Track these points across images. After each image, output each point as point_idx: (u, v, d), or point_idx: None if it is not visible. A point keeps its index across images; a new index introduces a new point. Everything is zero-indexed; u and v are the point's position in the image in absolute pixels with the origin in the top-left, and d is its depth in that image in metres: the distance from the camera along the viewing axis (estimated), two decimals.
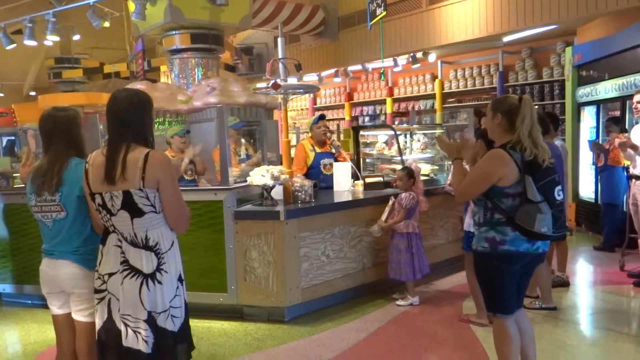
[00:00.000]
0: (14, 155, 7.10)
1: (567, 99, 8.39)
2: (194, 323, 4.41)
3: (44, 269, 2.68)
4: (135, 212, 2.34)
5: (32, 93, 17.36)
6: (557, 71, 9.16)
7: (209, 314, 4.62)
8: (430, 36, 9.21)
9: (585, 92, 7.83)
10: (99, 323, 2.46)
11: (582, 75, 8.06)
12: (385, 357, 3.76)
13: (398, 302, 4.79)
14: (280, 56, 4.86)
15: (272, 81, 4.47)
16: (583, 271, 5.98)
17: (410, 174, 4.72)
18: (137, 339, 2.37)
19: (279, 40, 4.91)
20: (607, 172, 6.54)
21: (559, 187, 2.78)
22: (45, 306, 2.73)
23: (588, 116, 7.98)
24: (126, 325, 2.38)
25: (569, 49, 8.28)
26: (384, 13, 6.56)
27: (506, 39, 9.00)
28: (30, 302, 5.24)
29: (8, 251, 5.25)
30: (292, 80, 12.08)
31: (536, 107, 9.02)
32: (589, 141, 7.09)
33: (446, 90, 10.87)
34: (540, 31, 8.56)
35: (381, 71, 8.84)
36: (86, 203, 2.52)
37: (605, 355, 3.66)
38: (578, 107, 8.13)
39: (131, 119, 2.38)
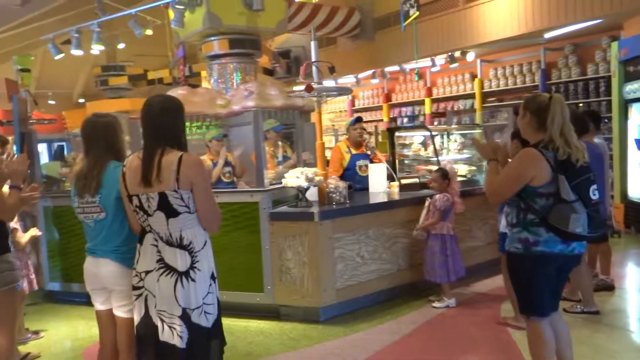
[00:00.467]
0: (63, 160, 7.43)
1: (614, 95, 8.09)
2: (232, 322, 4.56)
3: (87, 267, 2.81)
4: (170, 212, 2.44)
5: (81, 100, 18.08)
6: (603, 67, 8.84)
7: (246, 313, 4.72)
8: (467, 35, 9.08)
9: (633, 89, 7.55)
10: (137, 319, 2.57)
11: (629, 71, 7.76)
12: (419, 359, 3.74)
13: (434, 304, 4.76)
14: (313, 59, 4.90)
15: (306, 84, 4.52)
16: (630, 274, 5.77)
17: (444, 175, 4.69)
18: (172, 334, 2.46)
19: (312, 43, 4.96)
20: None
21: (594, 187, 2.71)
22: (92, 304, 2.87)
23: (636, 113, 7.68)
24: (162, 320, 2.48)
25: (614, 44, 7.99)
26: (417, 13, 6.52)
27: (548, 35, 8.76)
28: (78, 300, 5.46)
29: (57, 251, 5.51)
30: (330, 83, 12.16)
31: (580, 105, 8.77)
32: (636, 140, 6.83)
33: (486, 89, 10.67)
34: (584, 26, 8.30)
35: (415, 72, 8.75)
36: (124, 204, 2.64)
37: None
38: (625, 104, 7.83)
39: (165, 124, 2.48)
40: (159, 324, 2.49)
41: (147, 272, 2.51)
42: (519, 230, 2.81)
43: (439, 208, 4.60)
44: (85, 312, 5.15)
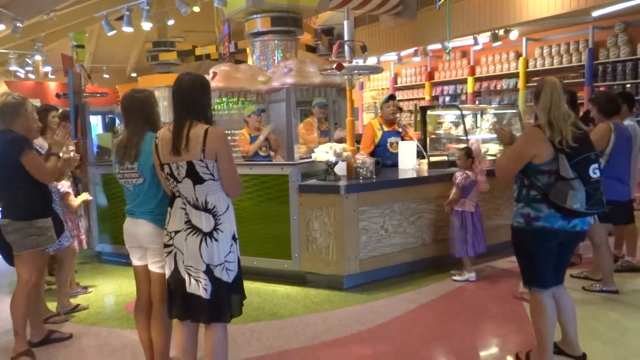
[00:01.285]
0: (114, 131, 7.90)
1: None
2: (261, 286, 4.89)
3: (126, 227, 3.15)
4: (197, 179, 2.72)
5: (134, 75, 18.81)
6: None
7: (275, 279, 5.03)
8: (511, 13, 8.92)
9: None
10: (167, 273, 2.90)
11: None
12: (432, 325, 3.95)
13: (454, 277, 4.93)
14: (346, 38, 5.06)
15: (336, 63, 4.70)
16: None
17: (468, 153, 4.79)
18: (198, 286, 2.76)
19: (345, 22, 5.10)
20: None
21: (595, 165, 2.82)
22: None
23: None
24: (189, 274, 2.78)
25: None
26: None
27: (596, 13, 8.51)
28: (124, 260, 5.91)
29: (106, 215, 5.98)
30: (372, 60, 12.20)
31: (628, 85, 8.51)
32: None
33: (531, 68, 10.47)
34: (635, 4, 8.02)
35: (447, 51, 8.72)
36: None
37: None
38: None
39: (193, 100, 2.75)
40: (187, 277, 2.79)
41: (176, 232, 2.81)
42: (522, 205, 2.95)
43: (458, 185, 4.74)
44: (129, 271, 5.53)
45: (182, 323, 2.92)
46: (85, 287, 5.11)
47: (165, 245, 2.88)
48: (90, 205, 5.90)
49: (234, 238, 2.85)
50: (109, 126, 9.47)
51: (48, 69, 14.57)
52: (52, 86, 17.02)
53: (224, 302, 2.81)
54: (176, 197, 2.83)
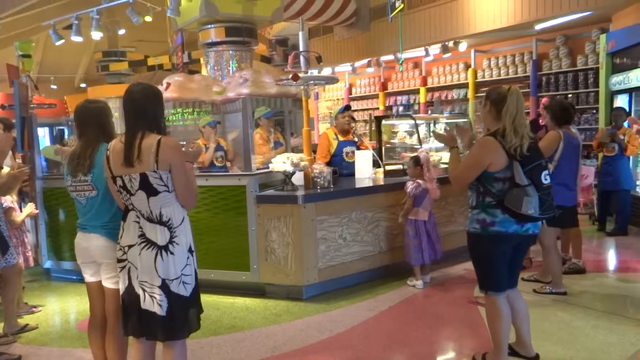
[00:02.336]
0: (63, 143, 7.64)
1: (601, 87, 8.28)
2: (219, 299, 4.82)
3: (78, 242, 3.06)
4: (150, 191, 2.66)
5: (83, 85, 18.28)
6: (592, 59, 9.03)
7: (233, 291, 4.98)
8: (460, 25, 9.24)
9: (618, 80, 7.72)
10: (121, 289, 2.81)
11: (615, 63, 7.94)
12: (391, 332, 4.00)
13: (408, 282, 5.03)
14: (301, 49, 5.10)
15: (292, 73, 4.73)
16: (602, 259, 5.98)
17: (416, 162, 4.91)
18: (153, 302, 2.69)
19: (300, 33, 5.14)
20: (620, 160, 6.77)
21: (546, 172, 2.95)
22: None
23: (621, 104, 7.86)
24: (144, 290, 2.71)
25: (603, 36, 8.15)
26: (402, 6, 6.69)
27: (539, 26, 8.93)
28: (75, 277, 5.72)
29: (55, 231, 5.76)
30: (327, 71, 12.33)
31: (570, 95, 8.97)
32: (608, 129, 6.99)
33: (480, 79, 10.85)
34: (574, 18, 8.46)
35: (399, 62, 8.93)
36: None
37: (606, 336, 3.76)
38: (611, 95, 8.02)
39: (145, 110, 2.70)
40: (141, 293, 2.71)
41: (129, 246, 2.73)
42: (478, 211, 3.04)
43: (410, 194, 4.84)
44: (80, 288, 5.37)
45: (138, 340, 2.83)
46: (34, 306, 4.90)
47: (119, 260, 2.80)
48: (38, 220, 5.68)
49: (190, 251, 2.80)
50: (57, 138, 9.17)
51: None
52: None
53: (181, 318, 2.75)
54: (129, 210, 2.77)
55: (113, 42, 14.65)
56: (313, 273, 4.74)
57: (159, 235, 2.68)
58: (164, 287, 2.68)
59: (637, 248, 5.85)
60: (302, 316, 4.40)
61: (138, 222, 2.72)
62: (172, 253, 2.69)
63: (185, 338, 2.80)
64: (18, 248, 4.66)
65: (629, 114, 7.06)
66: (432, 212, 5.03)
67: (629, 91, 7.50)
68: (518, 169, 2.89)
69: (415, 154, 5.10)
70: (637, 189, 7.15)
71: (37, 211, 5.04)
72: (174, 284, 2.70)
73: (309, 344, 3.83)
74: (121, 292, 2.82)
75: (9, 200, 4.56)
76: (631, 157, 7.11)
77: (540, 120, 5.82)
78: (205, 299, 2.97)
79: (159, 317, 2.69)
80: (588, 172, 7.44)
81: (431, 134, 6.57)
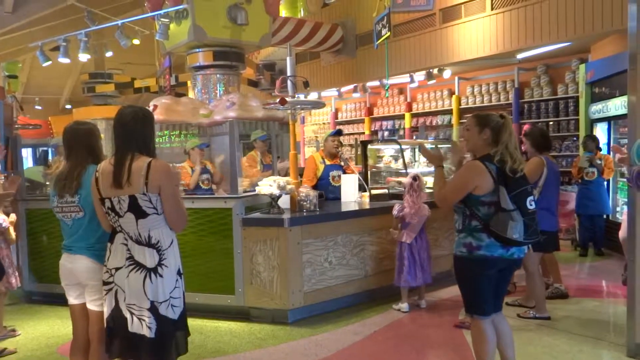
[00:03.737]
0: (47, 164, 7.59)
1: (581, 115, 8.50)
2: (203, 322, 4.77)
3: (63, 263, 3.02)
4: (139, 213, 2.66)
5: (68, 106, 18.19)
6: (572, 88, 9.25)
7: (217, 314, 4.93)
8: (444, 53, 9.43)
9: (598, 109, 7.93)
10: (107, 311, 2.78)
11: (594, 92, 8.17)
12: (376, 356, 3.99)
13: (393, 306, 5.03)
14: (289, 74, 5.17)
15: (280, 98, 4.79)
16: (582, 283, 6.04)
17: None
18: (141, 325, 2.67)
19: (288, 59, 5.23)
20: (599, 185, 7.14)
21: (531, 198, 3.01)
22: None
23: (600, 132, 8.06)
24: (131, 313, 2.68)
25: (582, 66, 8.40)
26: (389, 34, 6.83)
27: (520, 55, 9.14)
28: (56, 300, 5.61)
29: (38, 253, 5.67)
30: (313, 95, 12.46)
31: (551, 123, 9.19)
32: (586, 153, 7.26)
33: (463, 105, 11.03)
34: (554, 48, 8.68)
35: (385, 88, 9.09)
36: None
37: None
38: (591, 123, 8.22)
39: (135, 132, 2.72)
40: (129, 316, 2.69)
41: (117, 269, 2.71)
42: (465, 235, 3.08)
43: (395, 216, 4.90)
44: (62, 312, 5.29)
45: None
46: (14, 330, 4.79)
47: (105, 283, 2.78)
48: (19, 242, 5.59)
49: (179, 273, 2.79)
50: (40, 159, 9.10)
51: None
52: None
53: (169, 341, 2.73)
54: (117, 233, 2.75)
55: (100, 64, 14.68)
56: (298, 297, 4.72)
57: (148, 257, 2.67)
58: (153, 309, 2.66)
59: (619, 273, 5.93)
60: (287, 340, 4.37)
61: (126, 245, 2.70)
62: (161, 276, 2.68)
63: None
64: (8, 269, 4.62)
65: (597, 141, 7.36)
66: (422, 236, 5.04)
67: (608, 119, 7.69)
68: (504, 194, 2.95)
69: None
70: (617, 215, 7.30)
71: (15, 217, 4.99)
72: (163, 306, 2.68)
73: None
74: (106, 315, 2.79)
75: (7, 220, 4.54)
76: (610, 182, 7.33)
77: (523, 147, 5.94)
78: (190, 322, 2.94)
79: (148, 340, 2.66)
80: (569, 198, 7.60)
81: (418, 159, 6.66)
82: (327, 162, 6.14)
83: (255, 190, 5.06)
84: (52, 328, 4.95)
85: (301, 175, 6.00)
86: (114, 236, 2.76)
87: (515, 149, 3.07)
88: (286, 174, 6.57)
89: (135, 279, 2.67)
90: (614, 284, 5.81)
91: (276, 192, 4.80)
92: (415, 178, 5.03)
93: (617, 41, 7.85)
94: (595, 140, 7.33)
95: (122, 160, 2.66)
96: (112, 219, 2.74)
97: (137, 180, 2.63)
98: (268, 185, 4.85)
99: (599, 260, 7.07)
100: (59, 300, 5.56)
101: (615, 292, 5.57)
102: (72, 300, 3.06)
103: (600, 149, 7.34)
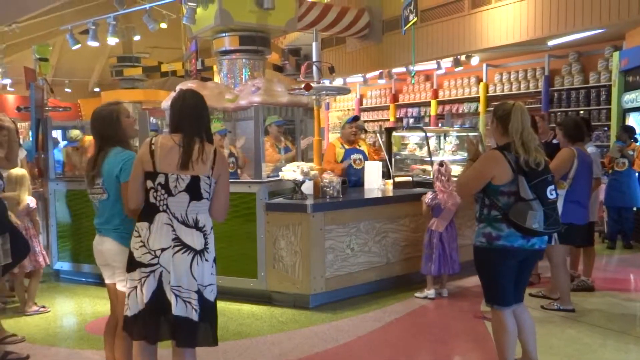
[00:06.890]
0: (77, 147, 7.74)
1: (613, 104, 8.28)
2: (226, 305, 4.84)
3: (94, 244, 3.10)
4: (196, 195, 2.67)
5: (97, 89, 18.50)
6: (605, 76, 9.01)
7: (240, 297, 4.99)
8: (472, 39, 9.27)
9: (631, 98, 7.72)
10: (147, 293, 2.67)
11: (628, 81, 7.94)
12: (396, 344, 4.00)
13: (416, 294, 5.02)
14: (314, 59, 5.15)
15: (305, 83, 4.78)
16: (609, 276, 5.93)
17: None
18: (186, 308, 2.64)
19: (314, 44, 5.20)
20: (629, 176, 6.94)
21: (552, 187, 2.96)
22: (97, 283, 3.14)
23: (633, 122, 7.85)
24: (177, 296, 2.64)
25: (616, 54, 8.16)
26: (416, 19, 6.73)
27: (551, 42, 8.94)
28: (84, 279, 5.78)
29: (67, 232, 5.82)
30: (338, 82, 12.39)
31: (581, 112, 8.98)
32: (617, 142, 7.10)
33: (491, 93, 10.85)
34: (587, 35, 8.47)
35: (412, 74, 8.98)
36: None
37: (614, 354, 3.74)
38: (623, 113, 8.01)
39: (202, 117, 2.77)
40: (173, 299, 2.64)
41: (162, 250, 2.66)
42: (484, 225, 3.06)
43: (426, 204, 4.87)
44: (90, 290, 5.45)
45: (142, 345, 2.77)
46: (43, 306, 4.94)
47: (147, 265, 2.67)
48: (49, 221, 5.75)
49: (214, 259, 2.83)
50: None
51: (7, 81, 14.20)
52: (11, 99, 16.54)
53: (209, 323, 2.73)
54: (158, 212, 2.68)
55: (128, 48, 14.86)
56: (320, 282, 4.75)
57: (196, 240, 2.69)
58: (199, 292, 2.67)
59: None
60: (308, 325, 4.41)
61: (171, 225, 2.67)
62: (206, 260, 2.71)
63: (216, 344, 2.77)
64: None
65: (631, 132, 7.15)
66: (453, 225, 5.02)
67: None
68: (523, 183, 2.90)
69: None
70: None
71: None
72: (207, 290, 2.71)
73: (314, 353, 3.84)
74: (146, 297, 2.69)
75: (34, 201, 4.68)
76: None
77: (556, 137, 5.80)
78: None
79: (193, 323, 2.65)
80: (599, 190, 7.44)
81: (443, 147, 6.60)
82: (347, 147, 6.14)
83: (278, 176, 5.08)
84: (80, 306, 5.09)
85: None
86: (154, 216, 2.68)
87: (531, 139, 2.99)
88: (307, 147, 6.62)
89: (183, 260, 2.64)
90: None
91: (300, 177, 4.81)
92: (442, 164, 5.00)
93: None
94: (628, 131, 7.15)
95: (191, 142, 2.68)
96: (158, 196, 2.66)
97: (205, 164, 2.67)
98: (292, 171, 4.86)
99: (627, 253, 6.94)
100: (87, 278, 5.75)
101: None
102: (107, 280, 3.13)
103: (636, 140, 7.13)
